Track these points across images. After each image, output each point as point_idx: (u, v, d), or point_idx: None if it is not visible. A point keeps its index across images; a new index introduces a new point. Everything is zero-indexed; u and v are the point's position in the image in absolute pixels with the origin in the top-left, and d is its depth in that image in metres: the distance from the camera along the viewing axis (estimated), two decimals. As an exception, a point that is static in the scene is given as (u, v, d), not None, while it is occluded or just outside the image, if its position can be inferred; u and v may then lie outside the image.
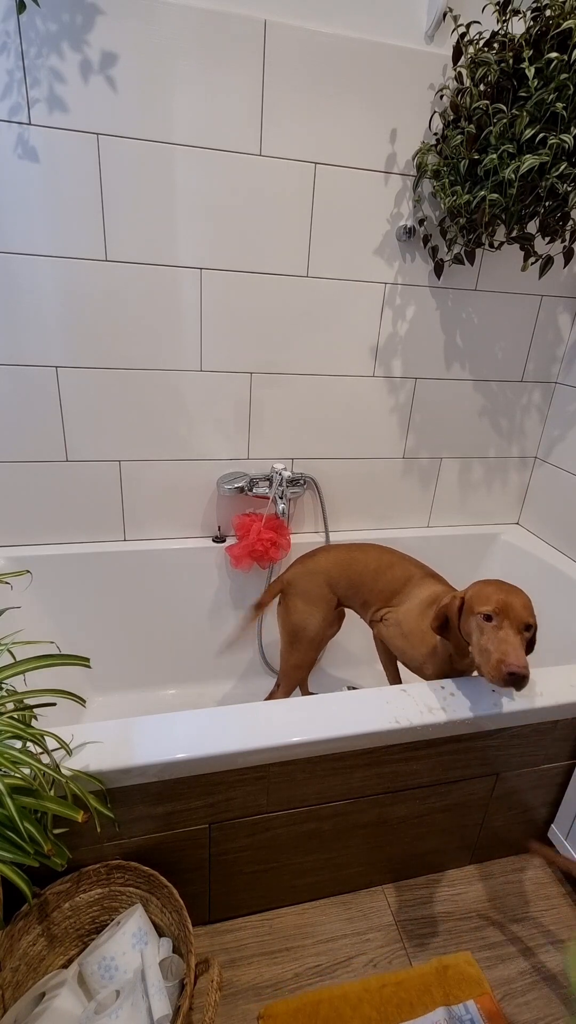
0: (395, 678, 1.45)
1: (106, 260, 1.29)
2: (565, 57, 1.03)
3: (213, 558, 1.62)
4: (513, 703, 1.06)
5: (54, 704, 0.83)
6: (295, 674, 1.41)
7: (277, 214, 1.34)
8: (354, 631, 1.52)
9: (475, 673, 1.15)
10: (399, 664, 1.37)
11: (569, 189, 1.13)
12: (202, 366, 1.44)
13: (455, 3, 1.24)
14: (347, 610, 1.42)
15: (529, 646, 1.01)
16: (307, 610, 1.34)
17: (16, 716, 0.79)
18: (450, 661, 1.13)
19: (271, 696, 1.54)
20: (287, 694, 1.44)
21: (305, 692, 1.57)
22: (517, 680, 0.91)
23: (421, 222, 1.42)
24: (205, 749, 0.92)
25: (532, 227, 1.28)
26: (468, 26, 1.19)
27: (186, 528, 1.61)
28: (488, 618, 0.97)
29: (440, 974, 1.09)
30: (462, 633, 1.03)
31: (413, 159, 1.36)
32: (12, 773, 0.72)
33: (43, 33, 1.11)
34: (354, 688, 1.66)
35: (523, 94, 1.10)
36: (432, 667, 1.15)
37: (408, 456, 1.70)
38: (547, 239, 1.26)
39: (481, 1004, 1.06)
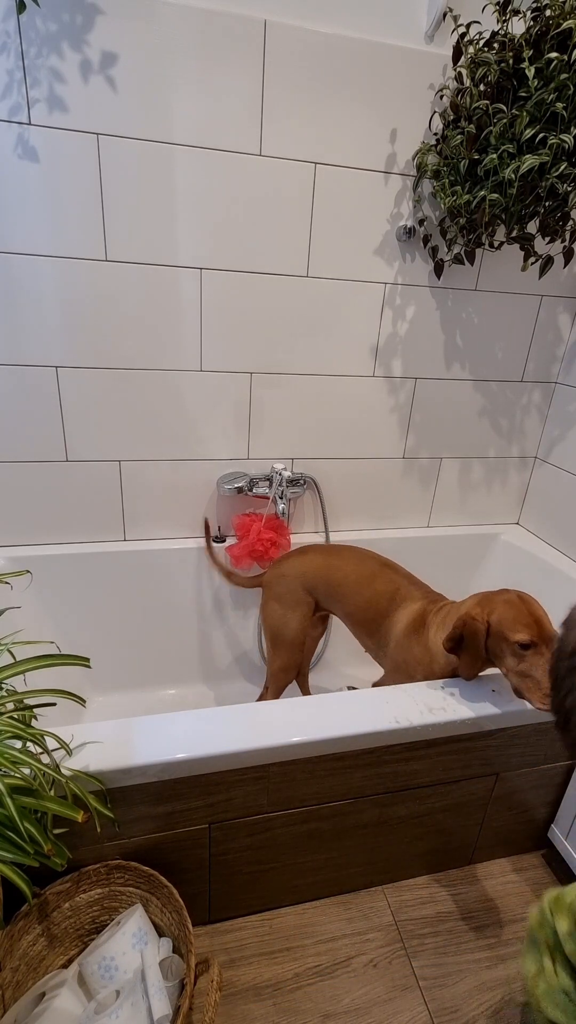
0: None
1: (106, 260, 1.29)
2: (565, 57, 1.03)
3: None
4: (513, 703, 1.06)
5: (54, 704, 0.83)
6: (281, 676, 1.41)
7: (277, 214, 1.34)
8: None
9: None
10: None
11: (569, 189, 1.13)
12: (202, 366, 1.44)
13: (455, 3, 1.24)
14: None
15: None
16: (284, 613, 1.34)
17: (16, 716, 0.79)
18: (451, 673, 1.12)
19: (260, 699, 1.54)
20: (276, 696, 1.44)
21: (305, 693, 1.57)
22: None
23: (421, 222, 1.42)
24: (205, 749, 0.92)
25: (532, 227, 1.28)
26: (468, 26, 1.19)
27: (186, 528, 1.61)
28: (525, 647, 0.96)
29: None
30: (491, 654, 1.02)
31: (413, 159, 1.36)
32: (12, 773, 0.72)
33: (43, 33, 1.11)
34: (354, 688, 1.66)
35: (523, 94, 1.10)
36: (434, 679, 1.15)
37: (408, 456, 1.70)
38: (547, 239, 1.26)
39: None
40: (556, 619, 1.48)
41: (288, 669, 1.41)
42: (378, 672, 1.48)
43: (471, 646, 1.02)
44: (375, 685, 1.32)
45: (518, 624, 0.97)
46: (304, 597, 1.33)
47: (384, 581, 1.25)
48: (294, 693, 1.69)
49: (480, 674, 1.13)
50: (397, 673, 1.21)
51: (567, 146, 1.07)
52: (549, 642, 0.96)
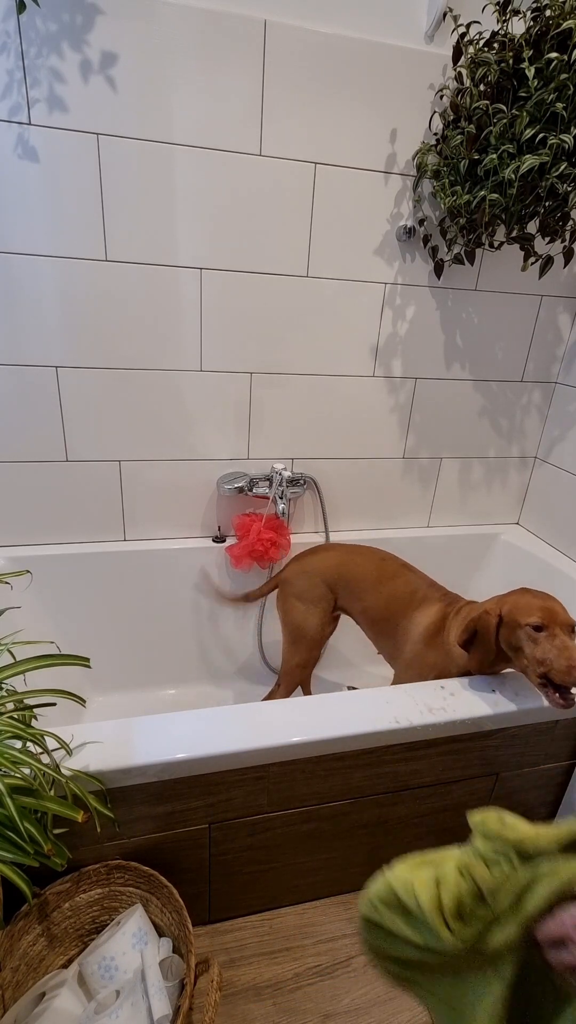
0: None
1: (106, 260, 1.29)
2: (565, 57, 1.03)
3: (213, 558, 1.61)
4: (513, 703, 1.06)
5: (54, 704, 0.83)
6: (297, 673, 1.41)
7: (277, 214, 1.34)
8: (351, 633, 1.52)
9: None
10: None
11: (569, 189, 1.13)
12: (202, 366, 1.44)
13: (455, 3, 1.24)
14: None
15: None
16: (305, 609, 1.34)
17: (16, 716, 0.79)
18: (463, 671, 1.12)
19: (271, 695, 1.54)
20: (287, 694, 1.44)
21: (307, 693, 1.57)
22: None
23: (421, 222, 1.42)
24: (205, 749, 0.92)
25: (532, 227, 1.28)
26: (468, 26, 1.18)
27: (186, 528, 1.61)
28: (538, 628, 0.97)
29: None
30: (506, 647, 1.03)
31: (413, 159, 1.36)
32: (12, 773, 0.72)
33: (43, 33, 1.11)
34: (354, 688, 1.66)
35: (523, 94, 1.10)
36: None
37: (408, 456, 1.70)
38: (547, 239, 1.26)
39: None
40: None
41: (305, 665, 1.41)
42: (383, 681, 1.48)
43: (483, 640, 1.04)
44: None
45: (530, 609, 0.99)
46: (325, 593, 1.33)
47: (403, 582, 1.26)
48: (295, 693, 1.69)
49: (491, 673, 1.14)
50: (409, 673, 1.21)
51: (567, 146, 1.07)
52: (563, 626, 0.97)
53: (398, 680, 1.26)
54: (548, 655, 0.96)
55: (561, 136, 1.06)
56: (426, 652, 1.17)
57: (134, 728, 0.94)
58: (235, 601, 1.51)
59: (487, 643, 1.03)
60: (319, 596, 1.33)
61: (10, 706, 0.80)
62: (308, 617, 1.34)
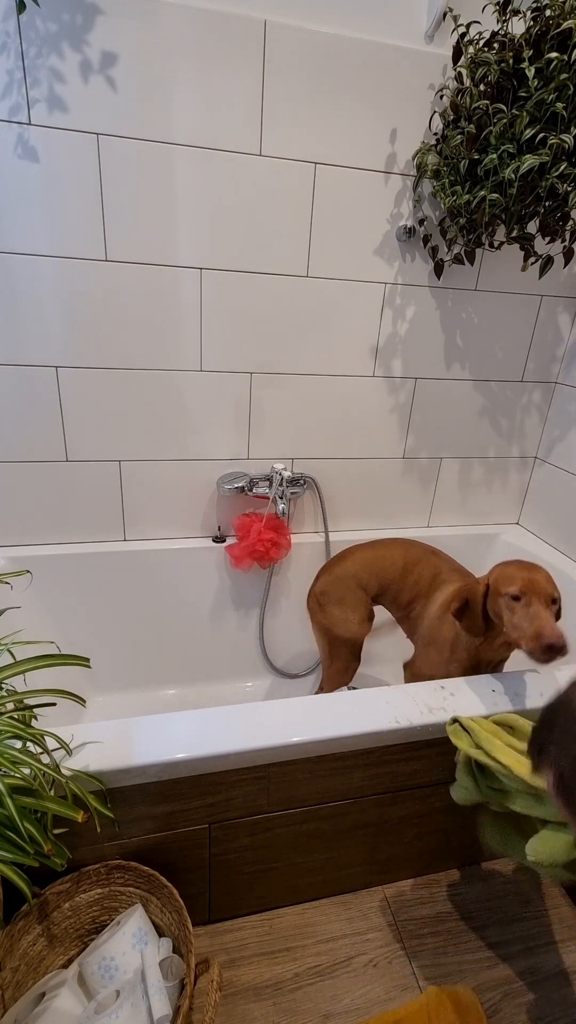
0: None
1: (106, 260, 1.29)
2: (565, 57, 1.03)
3: (213, 558, 1.62)
4: (513, 703, 1.06)
5: (54, 704, 0.83)
6: (339, 679, 1.43)
7: (277, 214, 1.34)
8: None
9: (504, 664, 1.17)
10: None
11: (569, 189, 1.13)
12: (202, 366, 1.44)
13: (455, 3, 1.24)
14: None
15: (556, 618, 1.03)
16: (344, 615, 1.35)
17: (16, 716, 0.79)
18: (476, 655, 1.14)
19: None
20: None
21: (348, 687, 1.58)
22: (557, 650, 0.93)
23: (421, 222, 1.42)
24: (205, 749, 0.92)
25: (532, 227, 1.28)
26: (468, 26, 1.18)
27: (186, 528, 1.61)
28: (516, 598, 1.00)
29: (440, 1005, 1.02)
30: (492, 615, 1.06)
31: (413, 159, 1.36)
32: (12, 773, 0.72)
33: (43, 33, 1.11)
34: (354, 688, 1.66)
35: (523, 94, 1.10)
36: (458, 667, 1.17)
37: (408, 456, 1.70)
38: (547, 239, 1.26)
39: None
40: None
41: (348, 671, 1.42)
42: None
43: (472, 609, 1.08)
44: (405, 664, 1.34)
45: (513, 579, 1.03)
46: (361, 595, 1.36)
47: (428, 565, 1.31)
48: (289, 692, 1.69)
49: (488, 669, 1.15)
50: (426, 650, 1.24)
51: (567, 146, 1.07)
52: (541, 597, 1.00)
53: (416, 657, 1.29)
54: (521, 623, 0.99)
55: (561, 136, 1.06)
56: (440, 627, 1.20)
57: (134, 728, 0.94)
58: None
59: (475, 611, 1.07)
60: (356, 599, 1.35)
61: (10, 706, 0.80)
62: (348, 622, 1.35)
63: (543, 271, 1.27)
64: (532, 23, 1.07)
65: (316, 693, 1.54)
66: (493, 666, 1.18)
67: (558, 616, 1.04)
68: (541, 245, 1.35)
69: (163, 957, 0.92)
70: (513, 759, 0.89)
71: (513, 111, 1.11)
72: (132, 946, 0.91)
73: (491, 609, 1.06)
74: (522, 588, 1.01)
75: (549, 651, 0.94)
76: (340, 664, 1.40)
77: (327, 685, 1.44)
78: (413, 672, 1.30)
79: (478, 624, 1.08)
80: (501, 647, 1.13)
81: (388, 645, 1.70)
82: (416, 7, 1.28)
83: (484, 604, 1.07)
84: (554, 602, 1.01)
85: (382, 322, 1.51)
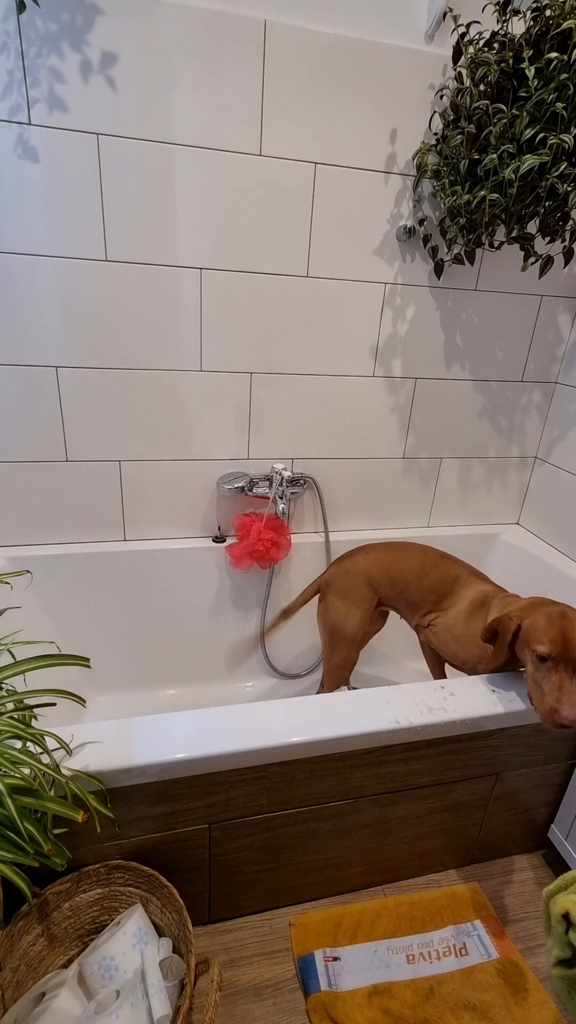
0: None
1: (106, 260, 1.29)
2: (565, 57, 1.03)
3: (213, 558, 1.62)
4: (513, 703, 1.06)
5: (54, 704, 0.83)
6: (338, 673, 1.42)
7: (277, 214, 1.34)
8: (385, 630, 1.53)
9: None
10: (446, 667, 1.37)
11: (569, 189, 1.13)
12: (202, 366, 1.44)
13: (455, 3, 1.24)
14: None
15: None
16: (346, 609, 1.35)
17: (16, 716, 0.79)
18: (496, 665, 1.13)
19: None
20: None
21: (348, 687, 1.58)
22: (567, 727, 0.92)
23: (421, 222, 1.42)
24: (205, 749, 0.92)
25: (532, 227, 1.28)
26: (468, 26, 1.18)
27: (186, 528, 1.61)
28: (543, 659, 0.97)
29: (450, 898, 1.23)
30: (517, 653, 1.04)
31: (413, 159, 1.36)
32: (12, 773, 0.72)
33: (43, 33, 1.11)
34: (354, 688, 1.66)
35: (523, 94, 1.10)
36: (485, 667, 1.16)
37: (408, 456, 1.70)
38: (547, 239, 1.26)
39: (487, 924, 1.18)
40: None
41: (346, 666, 1.42)
42: (413, 677, 1.48)
43: (500, 642, 1.05)
44: (420, 626, 1.32)
45: (544, 636, 0.98)
46: (368, 593, 1.35)
47: (447, 567, 1.29)
48: (283, 693, 1.69)
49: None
50: (452, 634, 1.22)
51: (567, 146, 1.07)
52: (569, 664, 0.96)
53: (452, 657, 1.25)
54: (541, 686, 0.96)
55: (561, 136, 1.06)
56: (470, 620, 1.18)
57: (134, 728, 0.94)
58: (278, 622, 1.49)
59: (502, 646, 1.04)
60: (362, 596, 1.35)
61: (10, 706, 0.80)
62: (349, 617, 1.35)
63: (543, 271, 1.27)
64: (532, 23, 1.07)
65: (318, 690, 1.55)
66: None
67: None
68: (541, 245, 1.35)
69: (163, 957, 0.92)
70: None
71: (513, 111, 1.11)
72: (132, 946, 0.91)
73: (517, 650, 1.04)
74: (551, 652, 0.96)
75: (559, 727, 0.93)
76: (338, 658, 1.40)
77: (326, 678, 1.45)
78: (429, 636, 1.28)
79: (503, 654, 1.05)
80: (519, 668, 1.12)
81: (389, 645, 1.70)
82: (416, 7, 1.28)
83: (512, 642, 1.04)
84: None
85: (382, 322, 1.51)
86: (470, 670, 1.20)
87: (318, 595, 1.42)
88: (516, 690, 1.09)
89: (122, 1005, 0.83)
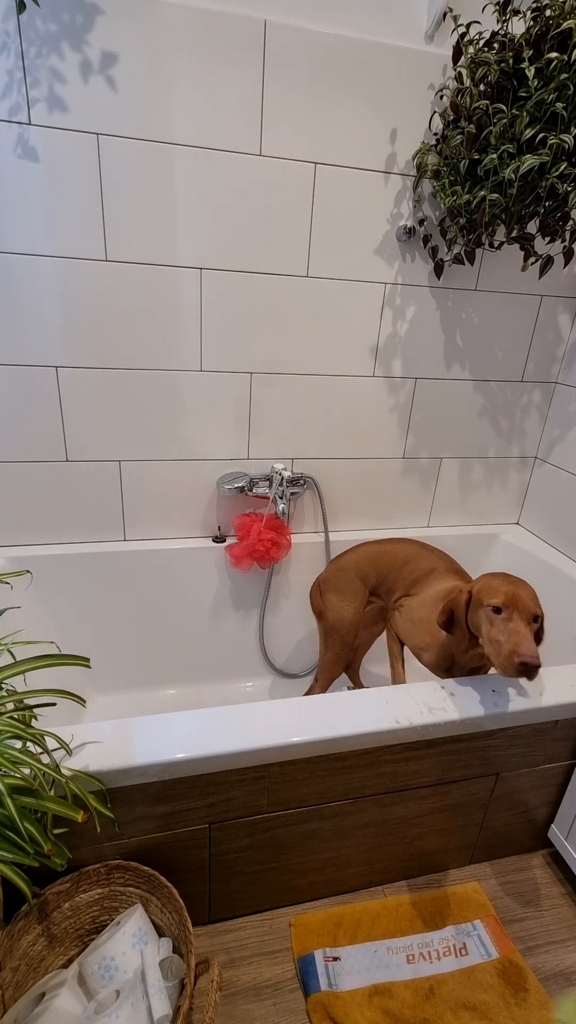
0: (399, 677, 1.45)
1: (106, 260, 1.29)
2: (565, 57, 1.03)
3: (213, 558, 1.62)
4: (513, 703, 1.06)
5: (54, 704, 0.83)
6: (331, 669, 1.44)
7: (277, 214, 1.34)
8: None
9: (487, 670, 1.16)
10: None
11: (569, 189, 1.13)
12: (202, 366, 1.44)
13: (455, 3, 1.24)
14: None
15: (537, 637, 1.01)
16: (340, 603, 1.38)
17: (16, 716, 0.79)
18: (450, 655, 1.14)
19: (309, 692, 1.54)
20: (323, 689, 1.47)
21: (358, 686, 1.59)
22: (528, 670, 0.92)
23: (421, 222, 1.42)
24: (205, 749, 0.92)
25: (532, 227, 1.28)
26: (468, 26, 1.18)
27: (186, 528, 1.61)
28: (497, 610, 0.99)
29: (450, 898, 1.23)
30: (470, 626, 1.04)
31: (413, 159, 1.36)
32: (12, 773, 0.72)
33: (43, 33, 1.11)
34: (365, 688, 1.67)
35: (523, 94, 1.10)
36: (432, 655, 1.17)
37: (408, 456, 1.70)
38: (547, 239, 1.26)
39: (487, 924, 1.18)
40: (556, 619, 1.48)
41: (339, 661, 1.44)
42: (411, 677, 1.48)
43: (456, 620, 1.06)
44: (390, 609, 1.34)
45: (497, 591, 1.00)
46: (359, 587, 1.38)
47: (427, 559, 1.32)
48: (291, 689, 1.69)
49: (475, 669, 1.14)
50: (410, 626, 1.24)
51: (567, 146, 1.07)
52: (523, 613, 0.97)
53: (405, 637, 1.27)
54: (499, 637, 0.97)
55: (561, 136, 1.06)
56: (430, 608, 1.19)
57: (134, 728, 0.94)
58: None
59: (459, 622, 1.05)
60: (354, 590, 1.38)
61: (10, 706, 0.80)
62: (342, 611, 1.38)
63: (543, 271, 1.27)
64: (532, 23, 1.07)
65: (310, 688, 1.56)
66: (465, 672, 1.16)
67: (540, 634, 1.01)
68: (541, 245, 1.35)
69: (163, 957, 0.92)
70: None
71: (513, 111, 1.11)
72: (132, 946, 0.91)
73: (471, 620, 1.04)
74: (505, 601, 0.98)
75: (521, 670, 0.91)
76: (332, 654, 1.42)
77: (321, 674, 1.46)
78: (394, 616, 1.31)
79: (464, 635, 1.05)
80: (477, 656, 1.11)
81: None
82: (416, 7, 1.28)
83: (466, 615, 1.04)
84: (535, 620, 0.99)
85: (382, 322, 1.51)
86: (417, 653, 1.23)
87: (311, 594, 1.45)
88: (516, 690, 1.09)
89: (122, 1005, 0.83)
